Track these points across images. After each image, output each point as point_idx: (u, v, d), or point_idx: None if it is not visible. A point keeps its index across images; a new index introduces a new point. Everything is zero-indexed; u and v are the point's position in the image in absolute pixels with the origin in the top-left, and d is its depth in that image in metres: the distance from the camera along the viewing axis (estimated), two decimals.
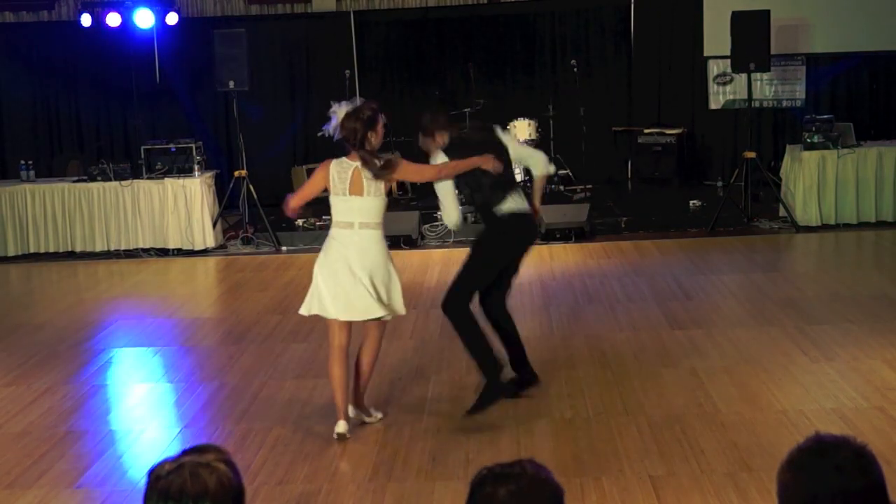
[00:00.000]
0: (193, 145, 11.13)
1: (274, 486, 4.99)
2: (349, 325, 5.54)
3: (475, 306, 5.90)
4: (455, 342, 7.23)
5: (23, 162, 11.31)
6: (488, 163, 5.66)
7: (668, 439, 5.29)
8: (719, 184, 12.60)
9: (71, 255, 11.08)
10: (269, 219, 11.06)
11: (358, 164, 5.44)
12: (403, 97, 13.49)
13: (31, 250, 11.07)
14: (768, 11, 11.00)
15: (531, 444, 5.34)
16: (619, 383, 6.18)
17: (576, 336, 7.29)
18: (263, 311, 8.38)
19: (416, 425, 5.70)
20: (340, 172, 5.45)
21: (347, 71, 12.67)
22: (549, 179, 11.47)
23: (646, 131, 12.96)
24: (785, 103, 12.87)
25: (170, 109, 12.91)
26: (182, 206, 10.96)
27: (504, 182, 5.79)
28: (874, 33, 12.24)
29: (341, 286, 5.39)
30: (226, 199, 11.38)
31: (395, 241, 10.74)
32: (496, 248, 5.86)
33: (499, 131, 5.97)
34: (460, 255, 10.50)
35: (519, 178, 6.49)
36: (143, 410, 6.33)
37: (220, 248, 11.16)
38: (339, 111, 5.46)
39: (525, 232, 5.95)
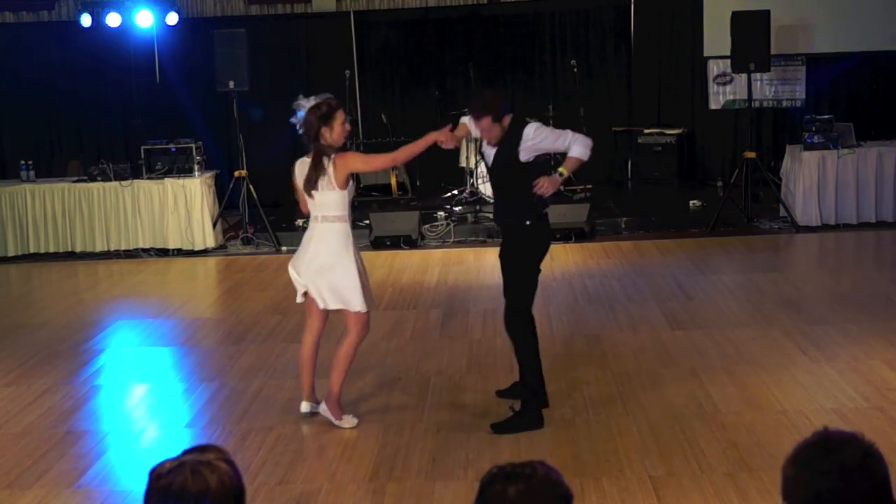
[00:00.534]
0: (193, 145, 11.13)
1: (274, 486, 4.99)
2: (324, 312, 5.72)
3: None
4: (455, 342, 7.26)
5: (23, 162, 11.31)
6: (445, 137, 5.50)
7: (668, 439, 5.30)
8: (719, 184, 12.60)
9: (71, 256, 11.08)
10: (269, 219, 11.06)
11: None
12: (403, 97, 13.51)
13: (31, 250, 11.08)
14: (768, 11, 11.01)
15: (531, 444, 5.34)
16: (619, 383, 6.19)
17: (576, 336, 7.29)
18: (263, 311, 8.38)
19: (416, 425, 5.70)
20: (302, 169, 5.63)
21: (347, 71, 12.67)
22: None
23: (646, 131, 12.97)
24: (785, 103, 12.86)
25: (170, 109, 12.91)
26: (182, 206, 10.96)
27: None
28: (874, 33, 12.24)
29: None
30: (226, 200, 11.38)
31: (395, 242, 10.77)
32: (541, 253, 5.62)
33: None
34: (460, 254, 10.62)
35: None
36: (143, 410, 6.33)
37: (220, 249, 11.16)
38: (306, 105, 5.51)
39: (550, 232, 5.83)
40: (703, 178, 13.10)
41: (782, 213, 10.98)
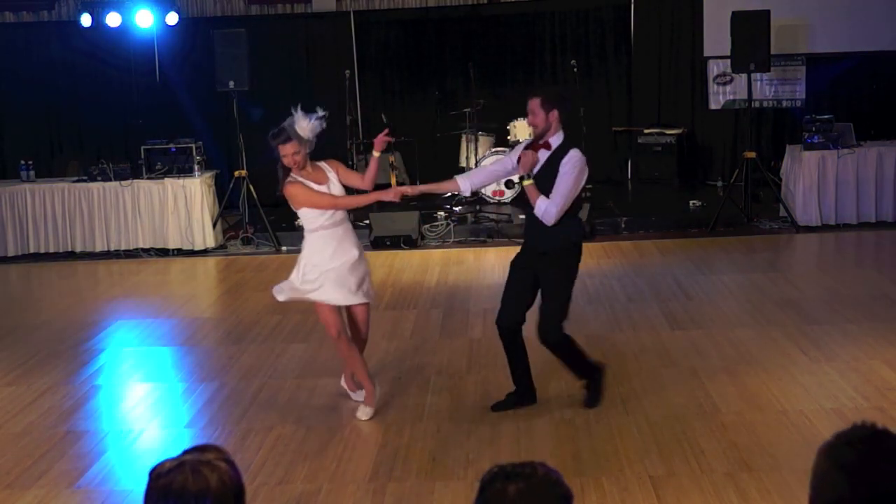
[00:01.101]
0: (193, 145, 11.14)
1: (274, 486, 5.00)
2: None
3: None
4: (455, 341, 7.26)
5: (23, 162, 11.31)
6: (393, 195, 5.75)
7: (668, 439, 5.30)
8: (719, 184, 12.61)
9: (71, 255, 11.08)
10: (269, 219, 11.06)
11: None
12: (403, 97, 13.51)
13: (31, 250, 11.08)
14: (768, 11, 11.01)
15: (531, 444, 5.34)
16: (619, 383, 6.19)
17: (576, 336, 7.20)
18: (263, 311, 8.38)
19: (416, 425, 5.70)
20: None
21: (347, 71, 12.67)
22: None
23: (646, 131, 12.96)
24: (785, 103, 12.86)
25: (170, 109, 12.90)
26: (182, 206, 10.97)
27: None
28: (874, 33, 12.24)
29: None
30: (226, 200, 11.38)
31: (396, 242, 10.77)
32: (576, 266, 5.72)
33: None
34: (460, 255, 10.62)
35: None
36: (143, 410, 6.33)
37: (220, 249, 11.17)
38: (296, 120, 5.72)
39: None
40: (703, 178, 13.10)
41: (782, 213, 10.98)
